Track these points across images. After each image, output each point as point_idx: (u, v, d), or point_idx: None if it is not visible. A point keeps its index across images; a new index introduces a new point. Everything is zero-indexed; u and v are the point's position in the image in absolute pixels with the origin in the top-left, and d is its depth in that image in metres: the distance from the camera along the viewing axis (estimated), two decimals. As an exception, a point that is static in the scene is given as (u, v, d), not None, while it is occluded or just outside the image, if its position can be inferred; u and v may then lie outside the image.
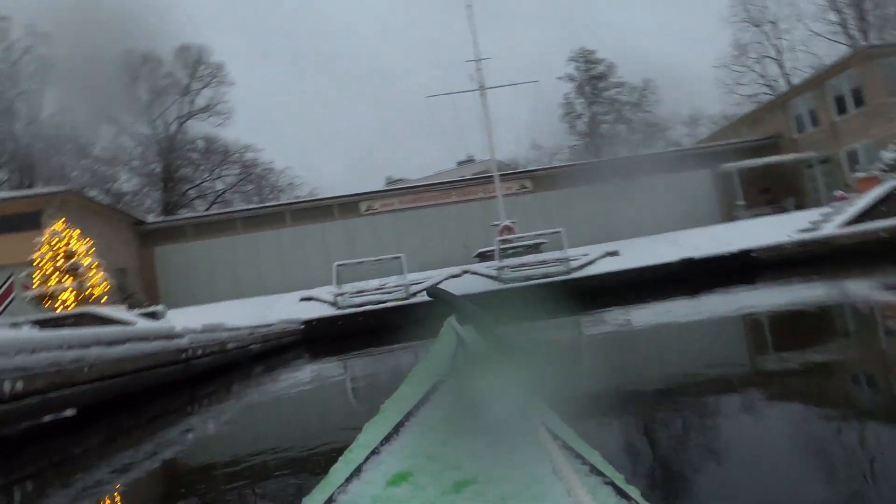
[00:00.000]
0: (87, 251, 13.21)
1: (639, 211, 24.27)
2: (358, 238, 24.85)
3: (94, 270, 13.14)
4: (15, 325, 8.29)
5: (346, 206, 25.88)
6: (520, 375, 1.09)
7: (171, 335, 6.95)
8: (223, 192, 40.39)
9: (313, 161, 69.66)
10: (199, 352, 7.49)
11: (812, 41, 36.35)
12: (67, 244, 12.90)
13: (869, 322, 5.23)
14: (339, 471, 0.91)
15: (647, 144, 40.09)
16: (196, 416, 5.20)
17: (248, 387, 6.97)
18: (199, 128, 39.41)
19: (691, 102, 58.35)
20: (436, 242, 24.61)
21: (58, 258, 12.69)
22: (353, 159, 70.31)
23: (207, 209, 37.31)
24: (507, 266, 16.12)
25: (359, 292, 15.79)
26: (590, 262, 16.05)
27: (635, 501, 0.75)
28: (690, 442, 2.39)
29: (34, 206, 18.60)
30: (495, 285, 15.33)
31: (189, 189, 39.65)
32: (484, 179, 26.05)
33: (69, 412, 4.66)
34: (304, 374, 7.72)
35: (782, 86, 36.42)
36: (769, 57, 39.13)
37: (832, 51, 32.15)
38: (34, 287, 12.60)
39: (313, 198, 30.67)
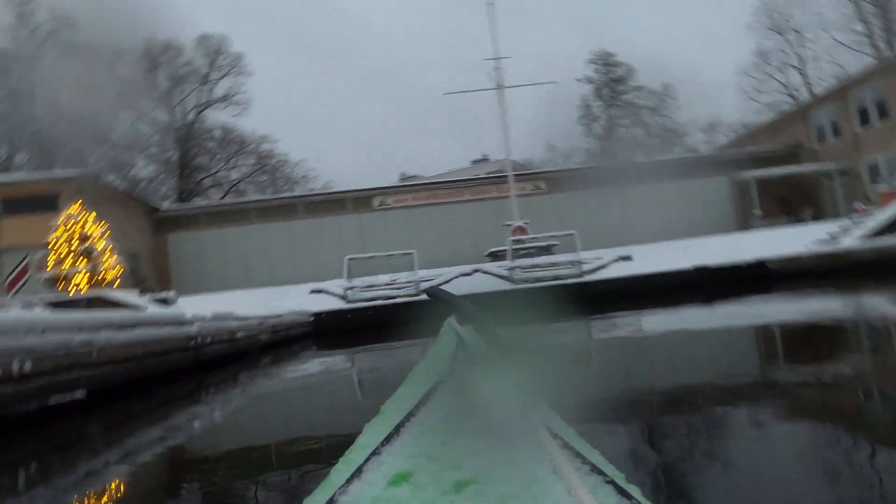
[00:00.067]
0: (102, 235, 13.34)
1: (653, 216, 24.12)
2: (370, 233, 24.90)
3: (108, 255, 13.26)
4: (28, 305, 8.37)
5: (360, 200, 25.94)
6: (520, 375, 1.09)
7: (181, 322, 6.98)
8: (238, 182, 40.67)
9: (328, 154, 69.98)
10: (209, 340, 7.51)
11: (836, 51, 35.85)
12: (83, 227, 13.03)
13: (884, 338, 5.13)
14: (340, 471, 0.92)
15: (664, 150, 39.83)
16: (203, 404, 5.22)
17: (255, 377, 6.99)
18: (216, 117, 39.79)
19: (710, 109, 57.86)
20: (447, 240, 24.59)
21: (73, 241, 12.82)
22: (367, 154, 70.55)
23: (222, 198, 37.57)
24: (518, 266, 16.07)
25: (369, 287, 15.81)
26: (602, 266, 15.94)
27: (636, 500, 0.74)
28: (690, 453, 2.34)
29: (52, 189, 18.83)
30: (506, 285, 15.28)
31: (204, 178, 39.95)
32: (498, 179, 26.00)
33: (79, 394, 4.68)
34: (312, 367, 7.73)
35: (804, 95, 35.97)
36: (792, 66, 38.69)
37: (857, 61, 31.68)
38: (49, 269, 12.74)
39: (327, 191, 30.79)
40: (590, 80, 42.70)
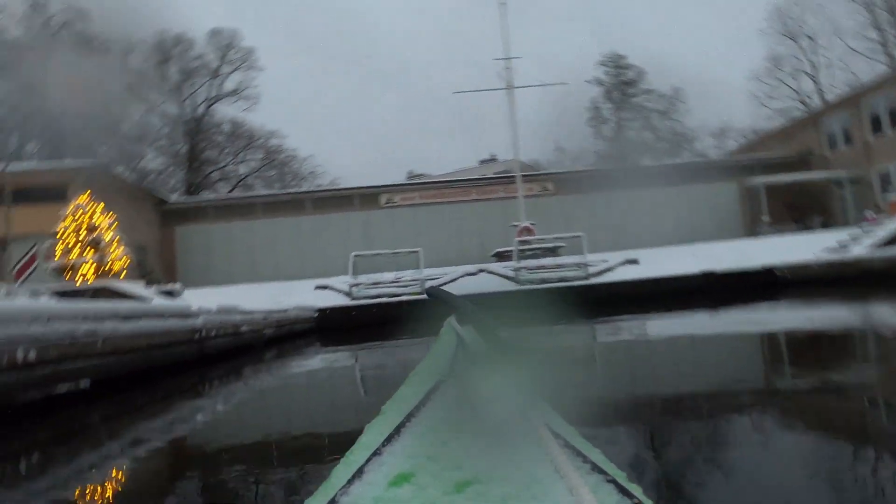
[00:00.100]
0: (110, 226, 13.40)
1: (661, 220, 24.02)
2: (376, 230, 24.91)
3: (115, 245, 13.33)
4: (34, 294, 8.41)
5: (367, 197, 25.95)
6: (520, 375, 1.09)
7: (186, 314, 7.00)
8: (246, 177, 40.78)
9: (336, 151, 70.10)
10: (213, 333, 7.53)
11: (850, 58, 35.55)
12: (91, 218, 13.10)
13: (893, 348, 5.08)
14: (341, 472, 0.92)
15: (673, 154, 39.66)
16: (206, 397, 5.22)
17: (259, 371, 7.00)
18: (226, 111, 39.91)
19: (720, 114, 57.57)
20: (453, 239, 24.57)
21: (80, 231, 12.88)
22: (375, 152, 70.61)
23: (230, 192, 37.69)
24: (524, 267, 16.04)
25: (374, 284, 15.82)
26: (608, 269, 15.89)
27: (637, 499, 0.74)
28: (688, 459, 2.32)
29: (61, 179, 18.94)
30: (511, 286, 15.26)
31: (213, 171, 40.09)
32: (506, 179, 25.95)
33: (83, 384, 4.70)
34: (315, 363, 7.73)
35: (816, 102, 35.72)
36: (804, 72, 38.42)
37: (871, 69, 31.39)
38: (56, 258, 12.81)
39: (334, 187, 30.83)
40: (600, 82, 42.56)
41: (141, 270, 18.35)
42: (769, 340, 6.14)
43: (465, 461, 0.87)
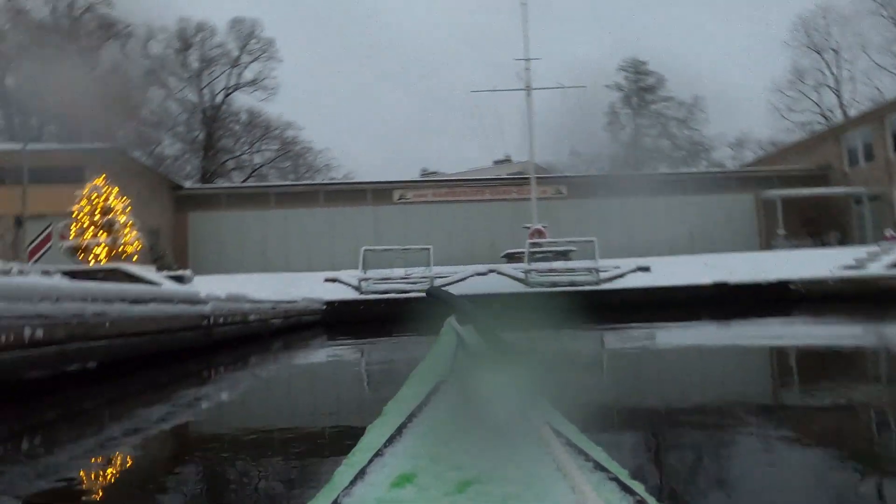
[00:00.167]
0: (124, 209, 13.51)
1: (675, 229, 23.83)
2: (387, 225, 24.93)
3: (129, 229, 13.43)
4: (46, 273, 8.48)
5: (380, 192, 25.98)
6: (521, 375, 1.10)
7: (195, 300, 7.02)
8: (261, 167, 41.01)
9: (351, 145, 70.29)
10: (221, 320, 7.55)
11: (875, 73, 35.12)
12: (106, 200, 13.21)
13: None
14: (343, 473, 0.92)
15: (690, 163, 39.35)
16: (212, 384, 5.23)
17: (265, 361, 7.01)
18: (243, 100, 40.15)
19: (739, 124, 57.03)
20: (464, 238, 24.53)
21: (95, 213, 12.99)
22: (389, 148, 70.73)
23: (244, 181, 37.89)
24: (535, 270, 15.97)
25: (383, 279, 15.83)
26: (620, 276, 15.79)
27: (640, 496, 0.74)
28: (687, 468, 2.27)
29: (78, 161, 19.10)
30: (521, 288, 15.20)
31: (228, 159, 40.35)
32: (520, 180, 25.88)
33: (90, 365, 4.71)
34: (321, 355, 7.74)
35: (838, 116, 35.30)
36: (827, 86, 37.98)
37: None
38: (71, 238, 12.94)
39: (348, 181, 30.88)
40: (619, 88, 42.35)
41: (153, 255, 18.49)
42: (779, 355, 6.06)
43: (467, 461, 0.86)
